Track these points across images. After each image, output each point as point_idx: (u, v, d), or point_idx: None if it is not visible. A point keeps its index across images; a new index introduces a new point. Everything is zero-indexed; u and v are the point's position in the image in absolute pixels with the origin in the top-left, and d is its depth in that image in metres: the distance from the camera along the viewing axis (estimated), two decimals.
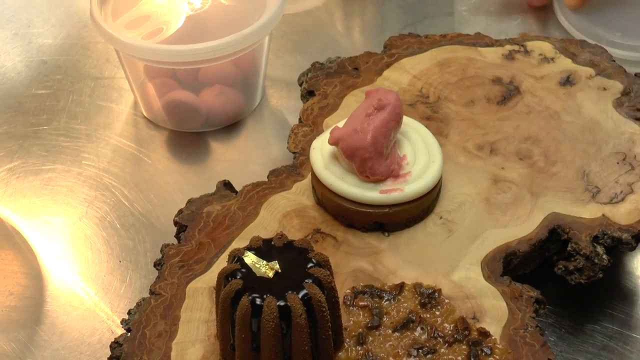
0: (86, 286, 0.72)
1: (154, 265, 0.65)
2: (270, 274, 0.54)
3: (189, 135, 0.85)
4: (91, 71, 0.92)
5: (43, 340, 0.68)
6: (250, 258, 0.54)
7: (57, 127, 0.85)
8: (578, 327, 0.68)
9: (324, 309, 0.53)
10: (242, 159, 0.82)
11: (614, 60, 0.79)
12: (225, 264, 0.57)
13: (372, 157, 0.64)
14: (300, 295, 0.53)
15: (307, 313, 0.52)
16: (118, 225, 0.77)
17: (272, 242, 0.56)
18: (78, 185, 0.80)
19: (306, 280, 0.53)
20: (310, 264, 0.54)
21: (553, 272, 0.66)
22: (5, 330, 0.69)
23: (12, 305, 0.71)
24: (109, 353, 0.60)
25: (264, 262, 0.54)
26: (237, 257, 0.55)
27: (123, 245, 0.75)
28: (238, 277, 0.54)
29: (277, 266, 0.54)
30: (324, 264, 0.55)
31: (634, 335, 0.68)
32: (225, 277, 0.54)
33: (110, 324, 0.69)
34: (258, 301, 0.52)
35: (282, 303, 0.52)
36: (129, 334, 0.59)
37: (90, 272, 0.73)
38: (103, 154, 0.83)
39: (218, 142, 0.84)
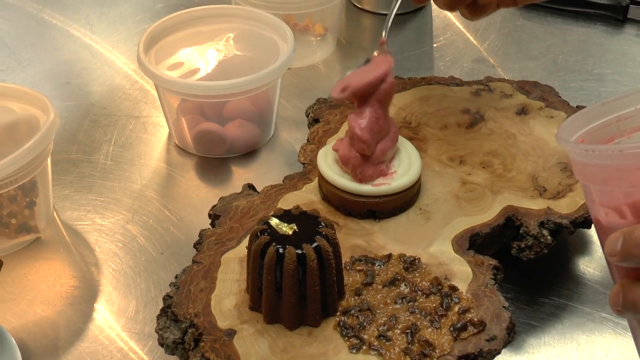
0: (133, 271, 0.88)
1: (194, 246, 0.82)
2: (290, 232, 0.71)
3: (214, 160, 1.03)
4: (131, 111, 1.10)
5: (102, 310, 0.85)
6: (274, 221, 0.72)
7: (105, 154, 1.03)
8: (532, 300, 0.85)
9: (331, 258, 0.70)
10: (258, 179, 0.99)
11: (560, 96, 0.98)
12: None
13: (361, 164, 0.82)
14: (313, 246, 0.70)
15: (318, 260, 0.70)
16: (159, 228, 0.94)
17: (291, 211, 0.73)
18: (125, 197, 0.97)
19: (317, 236, 0.71)
20: (320, 226, 0.72)
21: (512, 259, 0.82)
22: (72, 304, 0.85)
23: (75, 285, 0.87)
24: (155, 322, 0.76)
25: (285, 224, 0.72)
26: (264, 221, 0.72)
27: (163, 242, 0.92)
28: (265, 234, 0.71)
29: (295, 227, 0.71)
30: (330, 226, 0.72)
31: (576, 305, 0.84)
32: (255, 234, 0.71)
33: (157, 299, 0.85)
34: (281, 250, 0.69)
35: (299, 252, 0.69)
36: (177, 289, 0.76)
37: (136, 260, 0.90)
38: (144, 174, 1.01)
39: (238, 166, 1.02)
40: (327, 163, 0.84)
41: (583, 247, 0.90)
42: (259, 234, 0.71)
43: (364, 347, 0.70)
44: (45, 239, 0.92)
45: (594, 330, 0.82)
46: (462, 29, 1.28)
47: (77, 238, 0.92)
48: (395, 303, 0.74)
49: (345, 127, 0.94)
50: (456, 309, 0.73)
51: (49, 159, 0.90)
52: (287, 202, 0.85)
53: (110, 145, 1.05)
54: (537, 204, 0.84)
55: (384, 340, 0.71)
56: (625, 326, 0.82)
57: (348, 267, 0.77)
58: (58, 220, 0.94)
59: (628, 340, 0.81)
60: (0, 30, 1.27)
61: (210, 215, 0.85)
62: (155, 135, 1.06)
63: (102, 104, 1.11)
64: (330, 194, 0.84)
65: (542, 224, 0.82)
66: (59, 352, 0.81)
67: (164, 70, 1.00)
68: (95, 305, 0.85)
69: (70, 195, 0.98)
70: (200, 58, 1.04)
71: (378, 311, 0.73)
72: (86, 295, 0.86)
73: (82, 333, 0.83)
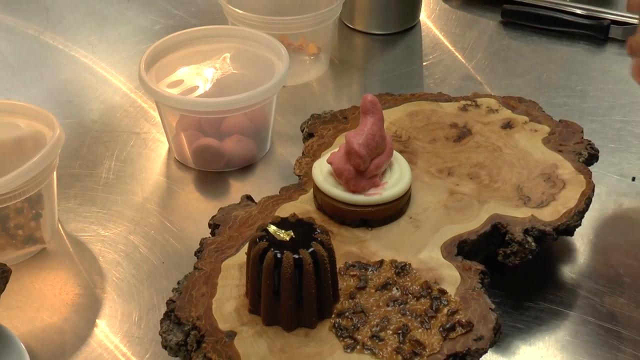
0: (136, 280, 0.92)
1: (195, 254, 0.86)
2: (287, 238, 0.75)
3: (213, 174, 1.07)
4: (132, 128, 1.14)
5: (106, 317, 0.88)
6: (272, 228, 0.76)
7: (107, 169, 1.07)
8: (517, 304, 0.89)
9: (326, 262, 0.74)
10: (255, 192, 1.02)
11: (544, 111, 1.02)
12: None
13: (354, 177, 0.86)
14: (309, 251, 0.74)
15: (314, 264, 0.73)
16: (160, 238, 0.97)
17: (288, 219, 0.77)
18: (127, 210, 1.01)
19: (313, 242, 0.75)
20: (316, 232, 0.76)
21: (498, 265, 0.86)
22: (77, 311, 0.89)
23: (80, 293, 0.91)
24: (157, 328, 0.79)
25: (283, 230, 0.75)
26: (263, 228, 0.76)
27: (164, 252, 0.96)
28: (264, 240, 0.75)
29: (292, 233, 0.75)
30: (325, 232, 0.76)
31: (559, 309, 0.88)
32: (254, 241, 0.75)
33: (159, 306, 0.89)
34: (279, 255, 0.73)
35: (296, 256, 0.73)
36: (180, 295, 0.80)
37: (139, 269, 0.93)
38: (145, 188, 1.04)
39: (236, 180, 1.06)
40: (322, 174, 0.88)
41: (566, 253, 0.94)
42: (257, 240, 0.75)
43: (358, 347, 0.74)
44: (51, 250, 0.96)
45: (577, 332, 0.86)
46: (450, 48, 1.33)
47: (81, 248, 0.96)
48: (388, 306, 0.78)
49: (338, 141, 0.98)
50: (445, 310, 0.77)
51: (54, 173, 0.93)
52: (284, 211, 0.88)
53: (112, 161, 1.09)
54: (521, 213, 0.88)
55: (377, 340, 0.74)
56: (607, 328, 0.86)
57: (342, 273, 0.81)
58: (63, 232, 0.98)
59: (610, 341, 0.84)
60: (4, 52, 1.32)
61: (210, 225, 0.89)
62: (156, 151, 1.10)
63: (104, 121, 1.16)
64: (325, 204, 0.88)
65: (526, 231, 0.85)
66: (65, 356, 0.84)
67: (164, 88, 1.04)
68: (99, 312, 0.89)
69: (74, 208, 1.01)
70: (199, 76, 1.08)
71: (371, 313, 0.77)
72: (90, 303, 0.90)
73: (87, 338, 0.86)
